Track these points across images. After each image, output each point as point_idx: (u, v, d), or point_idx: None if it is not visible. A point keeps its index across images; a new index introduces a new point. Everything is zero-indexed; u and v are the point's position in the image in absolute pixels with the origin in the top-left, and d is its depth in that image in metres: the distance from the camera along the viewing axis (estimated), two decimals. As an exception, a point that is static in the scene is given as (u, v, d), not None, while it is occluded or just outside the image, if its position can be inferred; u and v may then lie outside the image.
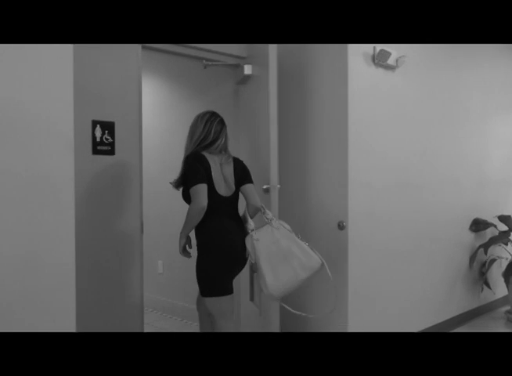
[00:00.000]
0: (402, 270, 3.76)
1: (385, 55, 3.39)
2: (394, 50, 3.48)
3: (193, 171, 2.65)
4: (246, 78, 3.46)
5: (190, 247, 2.88)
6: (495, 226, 4.57)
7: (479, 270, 4.64)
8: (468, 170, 4.46)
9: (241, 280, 3.64)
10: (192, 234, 2.81)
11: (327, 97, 3.34)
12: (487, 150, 4.68)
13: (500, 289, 4.83)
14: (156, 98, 4.91)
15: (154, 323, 4.54)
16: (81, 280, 2.16)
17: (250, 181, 2.86)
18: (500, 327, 4.37)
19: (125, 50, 2.99)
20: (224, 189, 2.77)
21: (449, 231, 4.25)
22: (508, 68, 4.89)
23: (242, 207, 2.89)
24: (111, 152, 2.94)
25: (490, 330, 4.27)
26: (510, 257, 4.61)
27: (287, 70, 3.56)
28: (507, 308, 4.78)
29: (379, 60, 3.39)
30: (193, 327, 4.29)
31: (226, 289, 2.69)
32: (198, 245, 2.74)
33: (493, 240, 4.47)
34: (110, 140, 2.93)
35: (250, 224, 2.77)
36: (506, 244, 4.61)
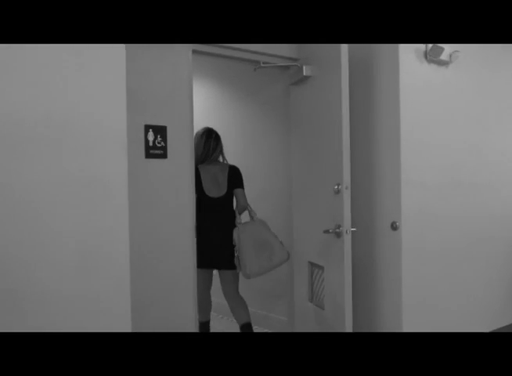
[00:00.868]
0: (459, 271, 3.64)
1: (438, 50, 3.29)
2: (447, 45, 3.38)
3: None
4: (304, 79, 3.43)
5: None
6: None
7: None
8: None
9: (295, 284, 3.65)
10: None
11: (378, 95, 3.29)
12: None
13: None
14: (208, 101, 4.98)
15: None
16: (135, 281, 2.21)
17: (240, 186, 3.60)
18: None
19: (176, 54, 3.05)
20: (215, 191, 3.53)
21: (508, 232, 4.08)
22: None
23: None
24: (163, 155, 3.00)
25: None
26: None
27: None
28: None
29: (431, 56, 3.30)
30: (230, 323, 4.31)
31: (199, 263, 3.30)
32: None
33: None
34: (163, 144, 2.99)
35: (238, 219, 3.50)
36: None
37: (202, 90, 4.91)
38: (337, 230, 2.97)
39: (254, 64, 3.48)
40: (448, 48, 3.38)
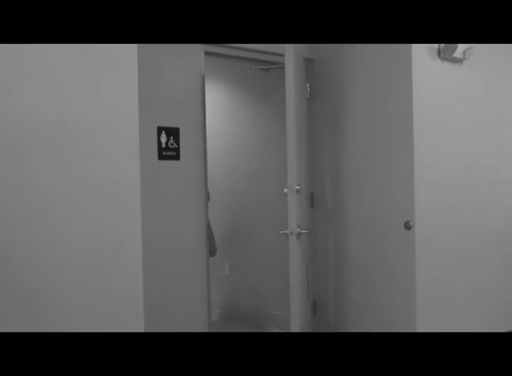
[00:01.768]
0: (474, 271, 3.60)
1: (451, 48, 3.26)
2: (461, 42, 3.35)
3: None
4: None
5: None
6: None
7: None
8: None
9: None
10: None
11: (392, 93, 3.27)
12: None
13: None
14: (219, 102, 4.99)
15: (220, 323, 4.61)
16: (148, 282, 2.23)
17: None
18: None
19: (188, 55, 3.07)
20: None
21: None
22: None
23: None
24: (176, 157, 3.02)
25: None
26: None
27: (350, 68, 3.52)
28: None
29: (444, 54, 3.27)
30: (257, 328, 4.32)
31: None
32: None
33: None
34: (175, 146, 3.01)
35: None
36: None
37: (214, 92, 4.93)
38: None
39: (265, 64, 3.49)
40: (461, 46, 3.35)
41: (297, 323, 3.15)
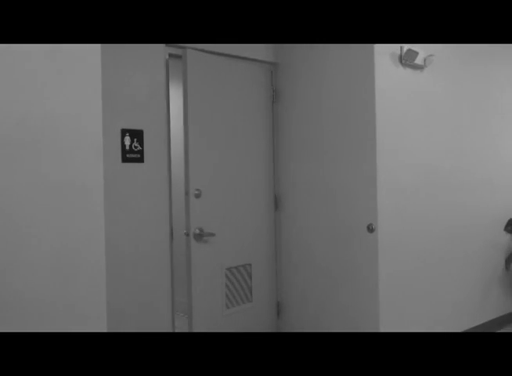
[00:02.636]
0: (436, 272, 3.70)
1: (412, 54, 3.35)
2: (422, 49, 3.44)
3: None
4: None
5: None
6: (531, 226, 4.45)
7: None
8: (502, 169, 4.36)
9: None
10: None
11: (354, 98, 3.33)
12: (521, 148, 4.57)
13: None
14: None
15: (184, 327, 4.58)
16: (111, 285, 2.20)
17: None
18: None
19: (152, 57, 3.05)
20: None
21: (484, 232, 4.16)
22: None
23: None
24: (140, 159, 2.99)
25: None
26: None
27: (310, 71, 3.56)
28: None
29: (406, 60, 3.35)
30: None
31: None
32: None
33: (530, 241, 4.35)
34: (139, 148, 2.99)
35: None
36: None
37: (180, 93, 4.90)
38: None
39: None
40: (422, 53, 3.44)
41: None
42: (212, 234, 3.25)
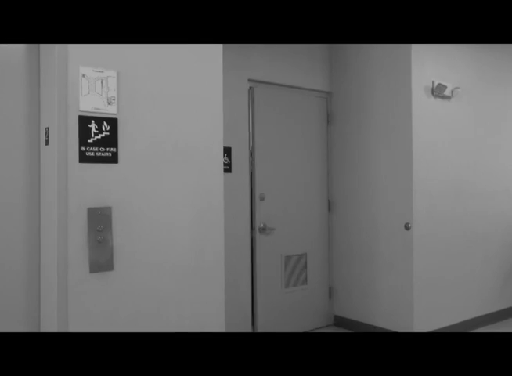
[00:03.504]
0: (462, 267, 4.47)
1: (442, 88, 4.17)
2: (450, 83, 4.26)
3: None
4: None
5: None
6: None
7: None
8: (518, 180, 5.11)
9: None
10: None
11: (394, 122, 4.16)
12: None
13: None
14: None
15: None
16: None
17: None
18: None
19: (238, 88, 3.95)
20: None
21: (501, 233, 4.91)
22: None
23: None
24: (229, 170, 3.88)
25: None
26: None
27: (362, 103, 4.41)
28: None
29: (437, 93, 4.18)
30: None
31: None
32: None
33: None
34: (228, 161, 3.88)
35: None
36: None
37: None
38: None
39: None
40: (450, 86, 4.25)
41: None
42: (273, 229, 4.12)
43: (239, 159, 3.98)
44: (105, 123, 2.42)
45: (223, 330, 2.79)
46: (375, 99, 4.32)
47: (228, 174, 3.87)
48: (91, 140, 2.37)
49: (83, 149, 2.35)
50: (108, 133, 2.43)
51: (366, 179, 4.39)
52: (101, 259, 2.40)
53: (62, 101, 2.31)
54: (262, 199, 4.08)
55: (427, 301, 4.15)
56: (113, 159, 2.45)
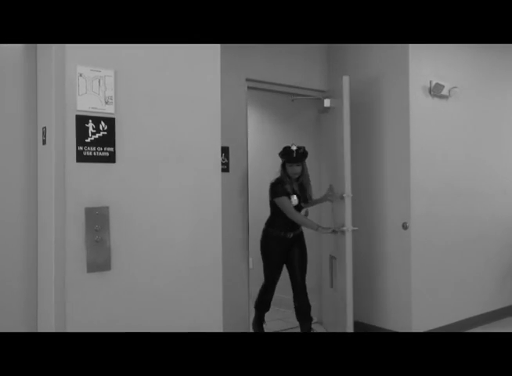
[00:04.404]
0: (460, 265, 4.47)
1: (439, 87, 4.17)
2: (447, 82, 4.26)
3: None
4: (326, 109, 4.35)
5: None
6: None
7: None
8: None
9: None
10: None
11: (394, 123, 4.17)
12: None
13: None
14: (253, 125, 5.76)
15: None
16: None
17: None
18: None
19: (236, 90, 3.95)
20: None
21: (499, 233, 4.92)
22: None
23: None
24: (227, 170, 3.89)
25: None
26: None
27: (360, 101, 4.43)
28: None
29: (434, 92, 4.18)
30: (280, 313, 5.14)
31: None
32: None
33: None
34: (226, 160, 3.88)
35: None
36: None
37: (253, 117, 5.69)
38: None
39: (291, 96, 4.40)
40: (447, 85, 4.26)
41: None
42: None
43: (237, 158, 3.98)
44: (102, 122, 2.42)
45: (221, 330, 2.80)
46: (372, 99, 4.33)
47: (225, 173, 3.87)
48: (88, 140, 2.37)
49: (80, 148, 2.35)
50: (105, 133, 2.43)
51: (363, 179, 4.40)
52: (98, 259, 2.40)
53: (59, 100, 2.31)
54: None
55: (425, 300, 4.17)
56: (111, 159, 2.45)
